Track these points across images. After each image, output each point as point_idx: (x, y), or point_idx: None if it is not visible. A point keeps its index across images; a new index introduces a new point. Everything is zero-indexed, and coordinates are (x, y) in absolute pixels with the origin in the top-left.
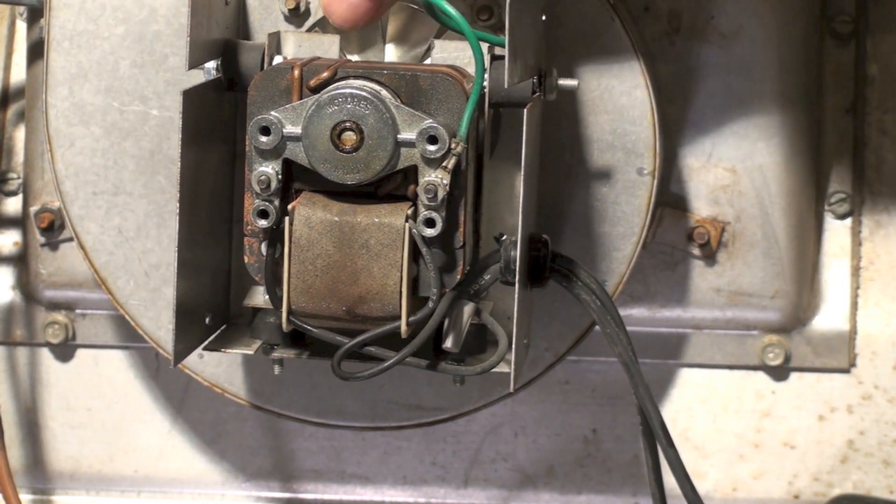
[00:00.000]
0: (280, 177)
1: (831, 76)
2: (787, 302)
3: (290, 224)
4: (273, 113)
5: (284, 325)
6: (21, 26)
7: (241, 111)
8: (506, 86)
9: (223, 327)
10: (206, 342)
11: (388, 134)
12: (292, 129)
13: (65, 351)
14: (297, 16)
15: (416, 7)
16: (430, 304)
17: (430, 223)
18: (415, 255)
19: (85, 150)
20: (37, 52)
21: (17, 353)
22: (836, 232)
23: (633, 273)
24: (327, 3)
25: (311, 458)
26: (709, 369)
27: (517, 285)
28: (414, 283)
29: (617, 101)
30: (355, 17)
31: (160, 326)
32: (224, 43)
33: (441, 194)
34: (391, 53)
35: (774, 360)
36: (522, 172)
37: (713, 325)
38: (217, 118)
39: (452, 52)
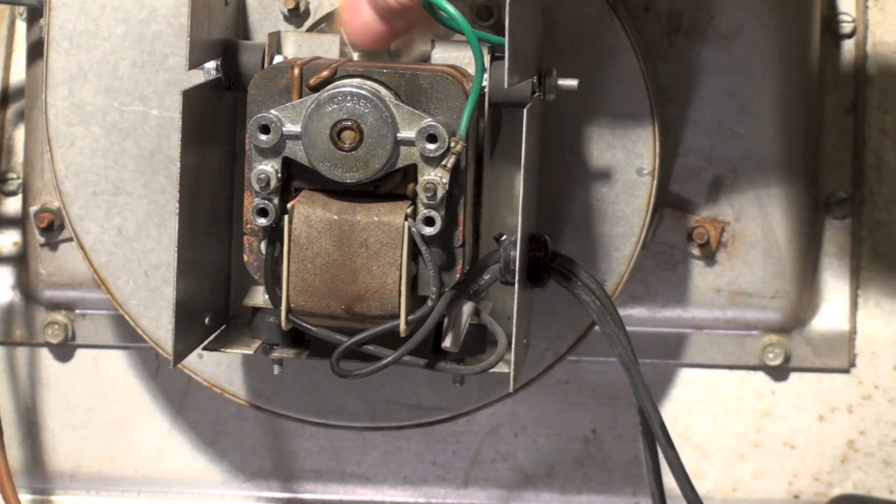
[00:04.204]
0: (279, 175)
1: (831, 76)
2: (787, 302)
3: (290, 222)
4: (273, 111)
5: (283, 324)
6: (21, 26)
7: (241, 111)
8: (506, 86)
9: (223, 327)
10: (205, 342)
11: (388, 132)
12: (292, 127)
13: (64, 351)
14: (297, 16)
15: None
16: (430, 302)
17: (429, 222)
18: (414, 253)
19: (85, 150)
20: (37, 52)
21: (16, 353)
22: (836, 232)
23: (633, 273)
24: (344, 22)
25: (311, 458)
26: (709, 369)
27: (517, 285)
28: (413, 282)
29: (617, 101)
30: (368, 35)
31: (160, 326)
32: (224, 43)
33: (440, 193)
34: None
35: (774, 360)
36: (522, 172)
37: (713, 325)
38: (217, 118)
39: (452, 52)
